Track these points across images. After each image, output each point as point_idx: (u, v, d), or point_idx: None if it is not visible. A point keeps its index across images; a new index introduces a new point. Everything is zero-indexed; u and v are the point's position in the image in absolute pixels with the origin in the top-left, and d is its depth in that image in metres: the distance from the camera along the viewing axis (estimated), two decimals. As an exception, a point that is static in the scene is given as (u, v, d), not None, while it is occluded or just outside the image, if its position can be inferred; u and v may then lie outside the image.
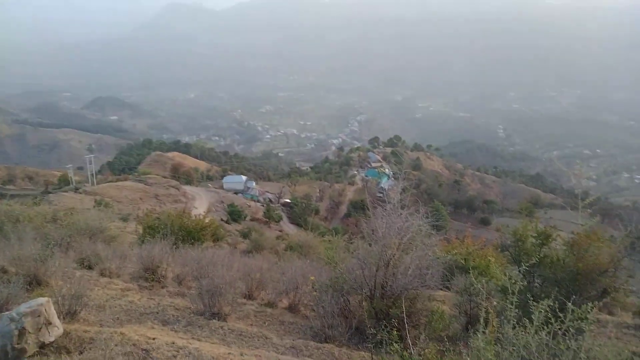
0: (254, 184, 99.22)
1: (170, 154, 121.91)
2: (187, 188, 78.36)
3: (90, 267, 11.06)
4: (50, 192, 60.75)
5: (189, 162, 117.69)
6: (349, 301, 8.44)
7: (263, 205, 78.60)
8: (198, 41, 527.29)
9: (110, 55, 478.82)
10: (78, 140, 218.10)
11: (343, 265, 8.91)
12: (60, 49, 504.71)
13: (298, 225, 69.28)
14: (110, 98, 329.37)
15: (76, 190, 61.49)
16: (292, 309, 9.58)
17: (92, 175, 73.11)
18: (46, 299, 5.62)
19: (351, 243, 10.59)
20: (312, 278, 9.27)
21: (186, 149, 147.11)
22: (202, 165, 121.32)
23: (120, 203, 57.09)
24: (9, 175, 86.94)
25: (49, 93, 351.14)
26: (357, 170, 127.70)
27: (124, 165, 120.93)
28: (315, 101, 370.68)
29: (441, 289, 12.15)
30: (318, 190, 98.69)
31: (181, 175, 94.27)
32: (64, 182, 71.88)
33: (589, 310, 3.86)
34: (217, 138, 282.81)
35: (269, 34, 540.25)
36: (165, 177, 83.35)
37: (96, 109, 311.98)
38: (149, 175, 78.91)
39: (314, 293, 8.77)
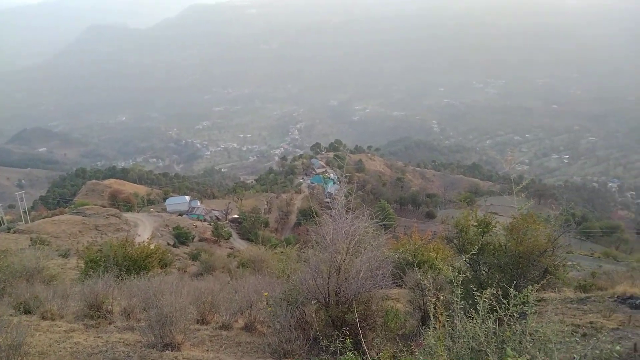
0: (198, 203, 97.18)
1: (106, 182, 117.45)
2: (129, 215, 75.62)
3: (28, 312, 10.42)
4: (-22, 236, 56.73)
5: (128, 187, 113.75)
6: (304, 312, 8.39)
7: (210, 224, 77.02)
8: (125, 62, 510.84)
9: (33, 85, 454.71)
10: (6, 177, 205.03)
11: (295, 276, 8.85)
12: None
13: (249, 240, 68.55)
14: (36, 129, 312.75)
15: (9, 230, 57.89)
16: (248, 328, 9.42)
17: (24, 212, 69.84)
18: (-22, 355, 5.22)
19: (303, 252, 10.56)
20: (266, 294, 9.15)
21: (123, 174, 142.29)
22: (142, 189, 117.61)
23: (59, 238, 54.40)
24: None
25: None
26: (303, 178, 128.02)
27: (58, 198, 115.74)
28: (252, 112, 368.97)
29: (395, 287, 12.38)
30: (265, 202, 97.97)
31: (121, 203, 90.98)
32: (-6, 223, 67.53)
33: (529, 294, 4.03)
34: (154, 160, 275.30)
35: (198, 49, 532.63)
36: (104, 207, 79.97)
37: (22, 142, 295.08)
38: (86, 206, 75.43)
39: (269, 309, 8.66)
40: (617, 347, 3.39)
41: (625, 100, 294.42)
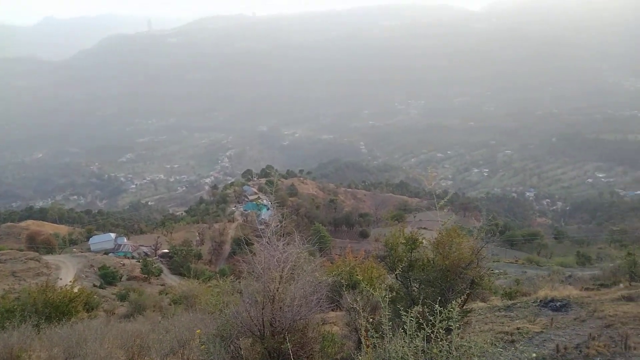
0: (125, 239, 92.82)
1: (23, 224, 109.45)
2: (49, 258, 70.43)
3: None
4: None
5: (47, 228, 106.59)
6: (239, 347, 8.13)
7: (139, 261, 73.47)
8: (38, 96, 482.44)
9: None
10: None
11: (228, 310, 8.59)
12: None
13: (181, 274, 66.03)
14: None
15: None
16: (181, 368, 8.99)
17: None
18: None
19: (238, 283, 10.30)
20: (199, 331, 8.81)
21: (42, 214, 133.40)
22: (63, 229, 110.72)
23: (-32, 290, 49.52)
24: None
25: None
26: (235, 206, 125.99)
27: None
28: (179, 142, 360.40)
29: (332, 310, 12.35)
30: (197, 234, 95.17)
31: (40, 245, 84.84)
32: None
33: (452, 309, 4.16)
34: (75, 197, 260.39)
35: (118, 80, 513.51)
36: (21, 250, 74.09)
37: None
38: (1, 251, 69.60)
39: (202, 347, 8.31)
40: (534, 355, 3.57)
41: (533, 114, 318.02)
